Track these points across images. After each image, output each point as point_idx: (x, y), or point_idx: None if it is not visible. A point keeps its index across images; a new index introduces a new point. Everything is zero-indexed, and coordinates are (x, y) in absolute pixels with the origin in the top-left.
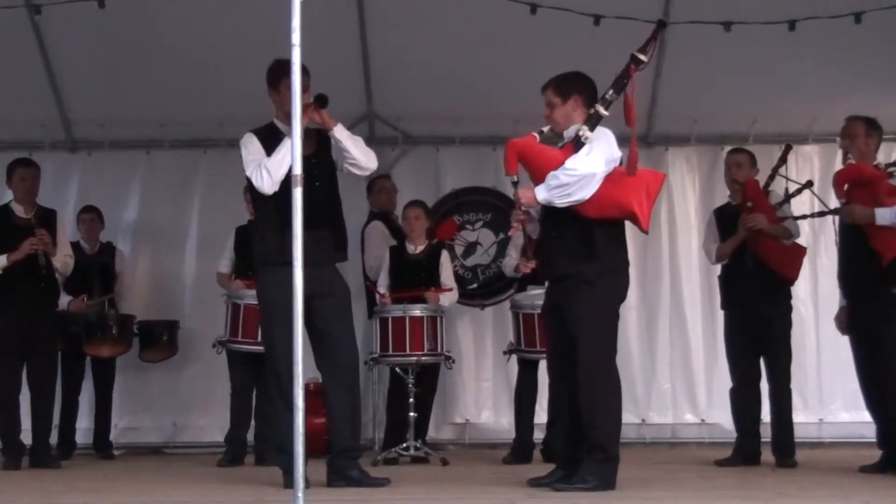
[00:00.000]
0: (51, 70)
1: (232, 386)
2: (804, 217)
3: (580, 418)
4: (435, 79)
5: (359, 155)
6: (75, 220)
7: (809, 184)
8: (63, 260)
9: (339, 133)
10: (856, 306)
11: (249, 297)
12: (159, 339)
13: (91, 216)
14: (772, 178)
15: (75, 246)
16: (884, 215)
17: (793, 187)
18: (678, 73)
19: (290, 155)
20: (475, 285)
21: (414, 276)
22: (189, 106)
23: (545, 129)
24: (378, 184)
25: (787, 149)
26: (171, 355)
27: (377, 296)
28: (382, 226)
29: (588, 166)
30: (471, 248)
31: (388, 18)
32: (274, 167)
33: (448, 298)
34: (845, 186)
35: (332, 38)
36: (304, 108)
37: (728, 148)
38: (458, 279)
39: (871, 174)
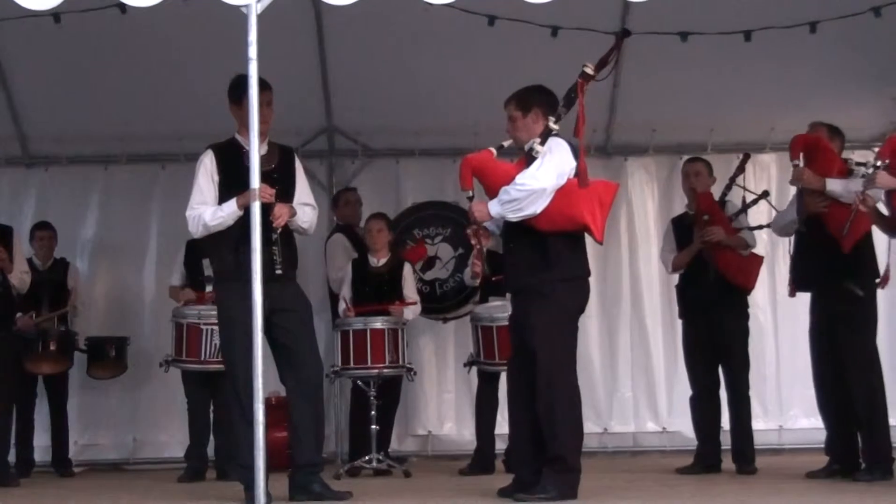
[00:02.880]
0: (6, 85)
1: (188, 402)
2: (760, 227)
3: (540, 429)
4: (394, 91)
5: (308, 228)
6: (29, 235)
7: (766, 194)
8: (20, 277)
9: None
10: (816, 302)
11: (192, 316)
12: (106, 355)
13: (49, 234)
14: (729, 187)
15: (27, 262)
16: (834, 186)
17: (749, 197)
18: (636, 83)
19: (229, 218)
20: (435, 301)
21: (377, 290)
22: (147, 120)
23: (505, 143)
24: (344, 197)
25: (745, 158)
26: (120, 372)
27: (340, 309)
28: (344, 238)
29: (538, 181)
30: (430, 262)
31: (347, 31)
32: (211, 224)
33: (412, 311)
34: (801, 155)
35: (291, 51)
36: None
37: (686, 157)
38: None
39: (826, 147)
